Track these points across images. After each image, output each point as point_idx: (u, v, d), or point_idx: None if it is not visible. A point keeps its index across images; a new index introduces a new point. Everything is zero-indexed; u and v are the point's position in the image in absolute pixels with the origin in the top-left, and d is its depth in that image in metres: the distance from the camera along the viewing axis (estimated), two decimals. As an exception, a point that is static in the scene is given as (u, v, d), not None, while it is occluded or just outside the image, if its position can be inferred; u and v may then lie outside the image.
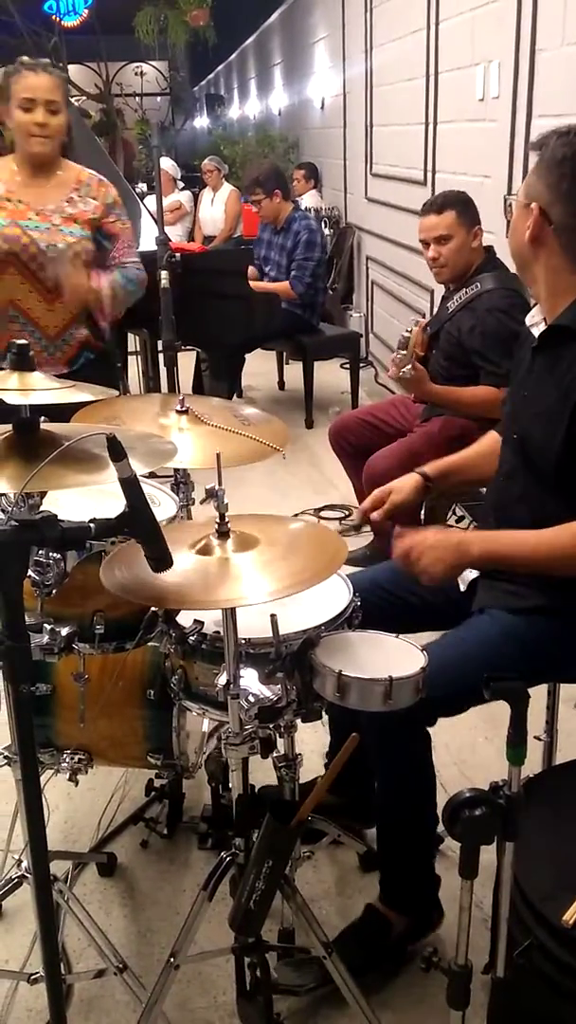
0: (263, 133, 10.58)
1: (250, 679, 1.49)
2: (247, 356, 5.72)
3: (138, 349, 5.25)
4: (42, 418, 1.38)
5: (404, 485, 1.97)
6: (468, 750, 2.49)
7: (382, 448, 3.21)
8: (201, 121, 17.91)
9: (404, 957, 1.86)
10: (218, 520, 1.46)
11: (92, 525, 1.19)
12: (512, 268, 2.10)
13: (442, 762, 2.14)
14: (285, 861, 1.52)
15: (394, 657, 1.49)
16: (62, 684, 1.86)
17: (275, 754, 1.65)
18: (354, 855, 2.14)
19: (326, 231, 7.01)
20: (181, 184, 8.34)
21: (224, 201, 7.75)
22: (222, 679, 1.46)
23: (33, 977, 1.68)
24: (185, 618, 1.59)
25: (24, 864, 1.74)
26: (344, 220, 7.27)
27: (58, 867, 1.99)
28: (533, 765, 1.84)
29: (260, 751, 1.51)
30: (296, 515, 3.80)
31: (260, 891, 1.46)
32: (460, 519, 3.66)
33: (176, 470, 2.07)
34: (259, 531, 1.50)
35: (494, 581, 1.81)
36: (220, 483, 1.44)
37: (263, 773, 1.91)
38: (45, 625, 1.65)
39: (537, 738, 2.02)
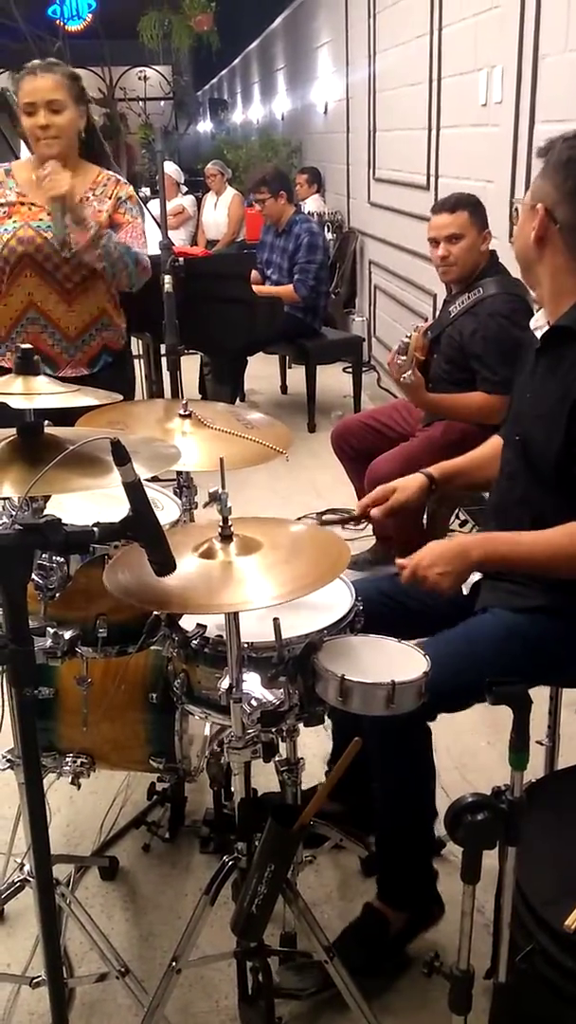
0: (266, 137, 10.59)
1: (253, 683, 1.49)
2: (250, 360, 5.73)
3: (141, 353, 5.26)
4: (46, 422, 1.38)
5: (409, 484, 1.98)
6: (470, 754, 2.49)
7: (384, 452, 3.22)
8: (204, 125, 17.94)
9: (404, 961, 1.86)
10: (221, 524, 1.46)
11: (96, 529, 1.19)
12: (516, 273, 2.10)
13: (444, 767, 2.14)
14: (287, 865, 1.52)
15: (397, 661, 1.49)
16: (65, 688, 1.86)
17: (277, 758, 1.66)
18: (356, 859, 2.13)
19: (329, 235, 7.02)
20: (184, 188, 8.37)
21: (227, 205, 7.77)
22: (225, 683, 1.46)
23: (35, 981, 1.68)
24: (188, 622, 1.59)
25: (26, 868, 1.74)
26: (347, 224, 7.28)
27: (60, 871, 1.98)
28: (535, 770, 1.85)
29: (262, 755, 1.51)
30: (299, 519, 3.80)
31: (262, 895, 1.45)
32: (463, 524, 3.66)
33: (179, 474, 2.07)
34: (262, 535, 1.51)
35: (497, 581, 1.82)
36: (223, 486, 1.45)
37: (265, 777, 1.92)
38: (48, 628, 1.64)
39: (539, 743, 2.02)
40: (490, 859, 1.27)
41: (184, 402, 1.88)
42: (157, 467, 1.40)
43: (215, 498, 1.44)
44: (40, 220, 2.68)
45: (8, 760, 1.70)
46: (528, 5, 3.39)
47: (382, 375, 6.20)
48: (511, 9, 3.53)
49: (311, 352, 5.42)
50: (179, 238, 7.70)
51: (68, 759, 1.89)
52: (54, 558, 1.62)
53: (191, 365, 5.40)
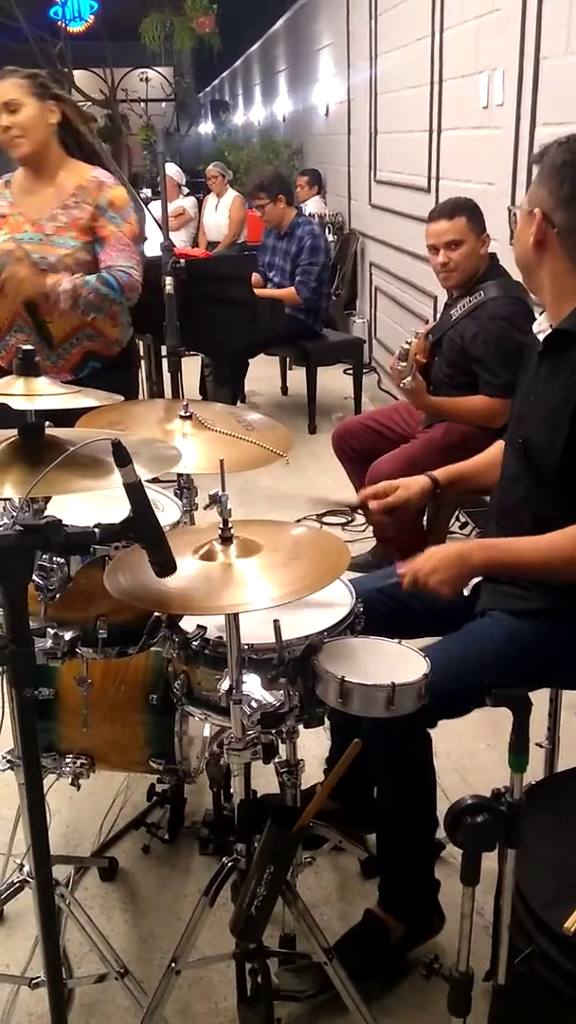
0: (267, 139, 10.60)
1: (253, 685, 1.49)
2: (250, 361, 5.73)
3: (142, 354, 5.26)
4: (47, 423, 1.38)
5: (412, 483, 1.98)
6: (469, 757, 2.49)
7: (385, 454, 3.22)
8: (206, 127, 17.96)
9: (403, 964, 1.86)
10: (221, 525, 1.46)
11: (96, 530, 1.19)
12: (516, 276, 2.11)
13: (443, 769, 2.14)
14: (287, 867, 1.52)
15: (397, 663, 1.49)
16: (65, 688, 1.86)
17: (277, 760, 1.66)
18: (355, 861, 2.13)
19: (330, 237, 7.02)
20: (186, 190, 8.37)
21: (228, 207, 7.78)
22: (225, 684, 1.47)
23: (34, 981, 1.68)
24: (188, 623, 1.59)
25: (26, 868, 1.74)
26: (348, 226, 7.29)
27: (59, 871, 1.98)
28: (535, 772, 1.85)
29: (262, 757, 1.51)
30: (299, 520, 3.81)
31: (261, 897, 1.45)
32: (463, 525, 3.67)
33: (179, 475, 2.07)
34: (262, 537, 1.51)
35: (497, 584, 1.82)
36: (223, 488, 1.45)
37: (265, 779, 1.91)
38: (48, 629, 1.65)
39: (539, 745, 2.02)
40: (490, 861, 1.27)
41: (185, 403, 1.88)
42: (158, 468, 1.40)
43: (215, 500, 1.44)
44: (24, 231, 2.69)
45: (8, 761, 1.70)
46: (529, 8, 3.40)
47: (383, 377, 6.20)
48: (512, 12, 3.53)
49: (312, 354, 5.43)
50: (180, 240, 7.70)
51: (68, 760, 1.89)
52: (55, 559, 1.62)
53: (192, 367, 5.40)
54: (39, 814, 1.29)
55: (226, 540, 1.46)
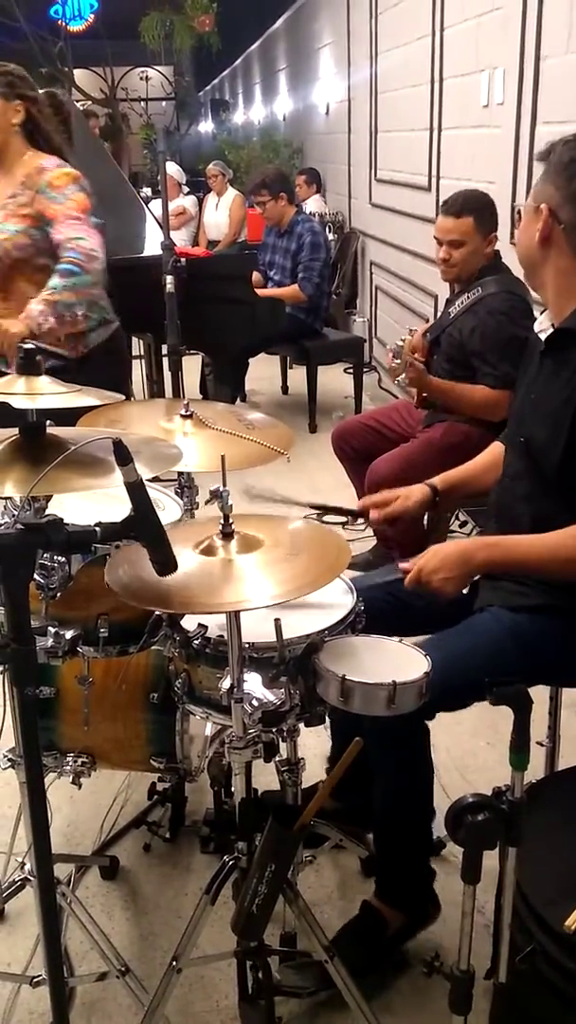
0: (268, 138, 10.59)
1: (254, 683, 1.49)
2: (251, 360, 5.73)
3: (142, 353, 5.26)
4: (48, 422, 1.38)
5: (411, 494, 1.99)
6: (470, 755, 2.49)
7: (385, 453, 3.22)
8: (206, 126, 17.94)
9: (402, 957, 1.86)
10: (222, 520, 1.47)
11: (98, 529, 1.19)
12: (517, 271, 2.11)
13: (444, 767, 2.14)
14: (287, 865, 1.52)
15: (397, 661, 1.49)
16: (66, 687, 1.86)
17: (278, 758, 1.66)
18: (356, 859, 2.14)
19: (330, 236, 7.02)
20: (186, 189, 8.36)
21: (228, 206, 7.77)
22: (226, 683, 1.46)
23: (35, 980, 1.68)
24: (189, 622, 1.59)
25: (27, 867, 1.74)
26: (348, 225, 7.29)
27: (61, 870, 1.98)
28: (535, 770, 1.85)
29: (263, 755, 1.51)
30: (304, 513, 3.80)
31: (262, 895, 1.46)
32: (463, 524, 3.67)
33: (180, 474, 2.07)
34: (263, 532, 1.51)
35: (497, 580, 1.82)
36: (224, 484, 1.45)
37: (266, 777, 1.92)
38: (49, 628, 1.65)
39: (540, 743, 2.02)
40: (490, 859, 1.27)
41: (185, 402, 1.88)
42: (159, 467, 1.40)
43: (216, 495, 1.44)
44: None
45: (9, 759, 1.70)
46: (530, 6, 3.40)
47: (383, 376, 6.21)
48: (513, 10, 3.53)
49: (312, 353, 5.43)
50: (180, 239, 7.70)
51: (69, 758, 1.89)
52: (56, 558, 1.62)
53: (192, 366, 5.40)
54: (40, 813, 1.29)
55: (227, 535, 1.46)
